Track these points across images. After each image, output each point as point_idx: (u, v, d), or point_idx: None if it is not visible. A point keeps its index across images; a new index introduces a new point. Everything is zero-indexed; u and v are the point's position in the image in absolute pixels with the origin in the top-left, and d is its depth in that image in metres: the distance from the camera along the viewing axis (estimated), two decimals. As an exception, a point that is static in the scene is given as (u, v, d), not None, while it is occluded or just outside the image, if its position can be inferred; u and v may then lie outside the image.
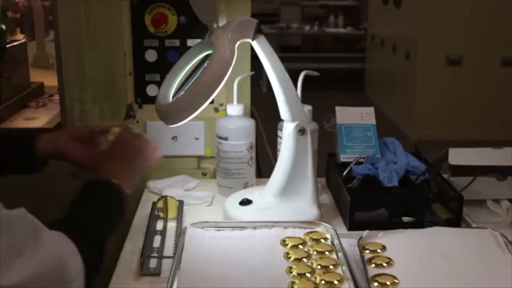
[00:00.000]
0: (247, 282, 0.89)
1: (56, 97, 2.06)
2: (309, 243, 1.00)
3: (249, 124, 1.32)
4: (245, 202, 1.19)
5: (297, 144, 1.15)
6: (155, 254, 1.03)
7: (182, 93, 1.11)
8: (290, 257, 0.95)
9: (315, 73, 1.30)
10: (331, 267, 0.92)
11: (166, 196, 1.20)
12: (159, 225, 1.16)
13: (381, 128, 1.36)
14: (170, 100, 1.12)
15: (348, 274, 0.90)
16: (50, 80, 2.32)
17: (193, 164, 1.47)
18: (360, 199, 1.18)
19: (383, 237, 1.03)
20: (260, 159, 1.48)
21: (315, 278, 0.89)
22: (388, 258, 0.96)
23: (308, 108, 1.28)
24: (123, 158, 1.07)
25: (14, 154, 1.16)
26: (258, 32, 1.09)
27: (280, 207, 1.16)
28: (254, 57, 1.21)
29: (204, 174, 1.46)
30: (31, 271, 0.73)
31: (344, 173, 1.26)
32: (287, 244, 0.99)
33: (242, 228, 1.05)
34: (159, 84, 1.32)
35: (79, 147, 1.13)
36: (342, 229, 1.16)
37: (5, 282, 0.70)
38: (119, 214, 1.01)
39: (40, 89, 2.32)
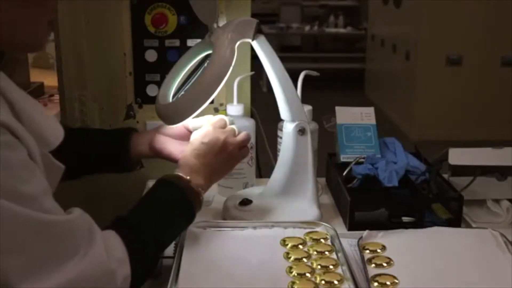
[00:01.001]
0: (247, 282, 0.89)
1: (56, 97, 2.06)
2: (309, 243, 1.00)
3: (249, 124, 1.32)
4: (245, 202, 1.19)
5: (297, 144, 1.15)
6: (155, 254, 1.03)
7: (182, 93, 1.11)
8: (290, 257, 0.95)
9: (315, 73, 1.30)
10: (331, 267, 0.92)
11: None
12: (159, 225, 1.16)
13: (381, 128, 1.36)
14: (170, 100, 1.12)
15: (348, 274, 0.90)
16: (50, 80, 2.32)
17: (193, 164, 1.47)
18: (360, 199, 1.18)
19: (383, 237, 1.03)
20: (260, 159, 1.48)
21: (315, 278, 0.89)
22: (388, 258, 0.96)
23: (308, 108, 1.28)
24: (202, 155, 1.03)
25: (109, 155, 1.15)
26: (258, 32, 1.10)
27: (280, 207, 1.16)
28: (254, 57, 1.21)
29: (204, 174, 1.46)
30: (76, 275, 0.73)
31: (344, 173, 1.26)
32: (287, 244, 0.99)
33: (242, 228, 1.05)
34: (159, 84, 1.32)
35: (175, 144, 1.12)
36: (342, 229, 1.16)
37: (49, 283, 0.71)
38: (185, 223, 0.99)
39: (40, 89, 2.32)
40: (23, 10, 0.79)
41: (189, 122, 1.14)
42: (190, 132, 1.13)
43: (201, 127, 1.10)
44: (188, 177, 0.99)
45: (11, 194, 0.69)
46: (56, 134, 0.83)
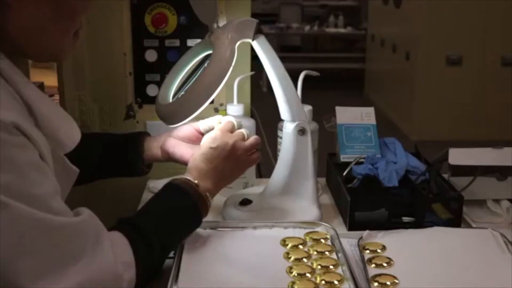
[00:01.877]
0: (247, 282, 0.88)
1: (56, 97, 2.06)
2: (309, 243, 1.00)
3: (249, 124, 1.31)
4: (245, 202, 1.19)
5: (297, 144, 1.15)
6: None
7: (182, 93, 1.11)
8: (290, 257, 0.95)
9: (315, 73, 1.30)
10: (331, 267, 0.92)
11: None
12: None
13: (381, 128, 1.36)
14: (170, 100, 1.12)
15: (348, 274, 0.90)
16: (50, 80, 2.31)
17: (193, 164, 1.47)
18: (360, 199, 1.18)
19: (383, 237, 1.03)
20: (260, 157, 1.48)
21: (315, 278, 0.89)
22: (388, 258, 0.96)
23: (308, 108, 1.28)
24: (210, 159, 1.03)
25: (122, 159, 1.16)
26: (258, 32, 1.09)
27: (280, 207, 1.16)
28: (254, 57, 1.21)
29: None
30: (84, 278, 0.73)
31: (344, 173, 1.26)
32: (287, 244, 0.99)
33: (242, 228, 1.05)
34: (159, 84, 1.33)
35: (186, 147, 1.12)
36: (342, 229, 1.15)
37: (58, 286, 0.71)
38: (192, 227, 0.99)
39: (40, 89, 2.32)
40: (52, 21, 0.80)
41: (200, 124, 1.15)
42: (201, 134, 1.13)
43: (212, 126, 1.10)
44: (196, 181, 0.99)
45: (21, 195, 0.70)
46: (72, 137, 0.84)
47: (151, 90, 1.42)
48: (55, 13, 0.79)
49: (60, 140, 0.81)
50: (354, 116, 1.36)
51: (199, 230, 1.03)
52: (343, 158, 1.33)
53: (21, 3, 0.76)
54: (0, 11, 0.76)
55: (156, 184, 1.36)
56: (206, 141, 1.06)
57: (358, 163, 1.28)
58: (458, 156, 1.24)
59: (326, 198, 1.34)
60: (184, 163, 1.09)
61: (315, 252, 0.97)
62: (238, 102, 1.30)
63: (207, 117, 1.17)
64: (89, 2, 0.86)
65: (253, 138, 1.09)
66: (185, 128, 1.15)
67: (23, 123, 0.72)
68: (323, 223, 1.06)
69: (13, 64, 0.79)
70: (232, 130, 1.08)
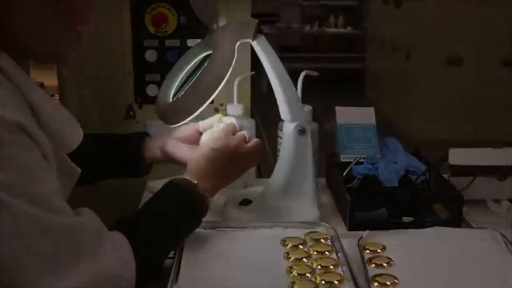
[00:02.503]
0: (247, 282, 0.89)
1: (56, 97, 2.06)
2: (309, 243, 1.00)
3: (249, 124, 1.31)
4: (245, 202, 1.19)
5: (297, 144, 1.15)
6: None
7: (182, 93, 1.11)
8: (290, 257, 0.95)
9: (315, 73, 1.30)
10: (331, 267, 0.92)
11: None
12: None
13: (381, 128, 1.36)
14: (170, 100, 1.12)
15: (348, 274, 0.90)
16: (50, 80, 2.32)
17: (193, 164, 1.47)
18: (360, 199, 1.18)
19: (383, 237, 1.03)
20: (260, 159, 1.48)
21: (315, 278, 0.89)
22: (388, 258, 0.96)
23: (308, 108, 1.28)
24: (211, 160, 1.03)
25: (122, 160, 1.16)
26: (258, 32, 1.10)
27: (280, 207, 1.16)
28: (254, 57, 1.21)
29: (204, 174, 1.46)
30: (85, 278, 0.73)
31: (344, 173, 1.26)
32: (287, 244, 0.99)
33: (242, 228, 1.05)
34: (159, 84, 1.33)
35: (187, 148, 1.12)
36: (342, 229, 1.15)
37: (59, 286, 0.71)
38: (191, 227, 0.99)
39: (40, 89, 2.32)
40: (55, 21, 0.80)
41: (200, 124, 1.15)
42: (201, 134, 1.13)
43: (212, 127, 1.10)
44: (195, 181, 0.99)
45: (22, 194, 0.70)
46: (74, 137, 0.84)
47: (151, 90, 1.43)
48: (57, 13, 0.79)
49: (63, 140, 0.81)
50: (354, 116, 1.36)
51: (199, 230, 1.03)
52: (343, 158, 1.33)
53: (23, 3, 0.76)
54: (2, 10, 0.76)
55: (156, 184, 1.36)
56: (208, 142, 1.05)
57: (358, 163, 1.28)
58: (458, 156, 1.24)
59: (326, 198, 1.34)
60: (184, 164, 1.09)
61: (315, 252, 0.97)
62: (238, 102, 1.30)
63: (207, 117, 1.17)
64: (93, 1, 0.85)
65: (254, 141, 1.09)
66: (186, 129, 1.15)
67: (26, 122, 0.72)
68: (323, 223, 1.06)
69: (16, 63, 0.79)
70: (233, 132, 1.08)
